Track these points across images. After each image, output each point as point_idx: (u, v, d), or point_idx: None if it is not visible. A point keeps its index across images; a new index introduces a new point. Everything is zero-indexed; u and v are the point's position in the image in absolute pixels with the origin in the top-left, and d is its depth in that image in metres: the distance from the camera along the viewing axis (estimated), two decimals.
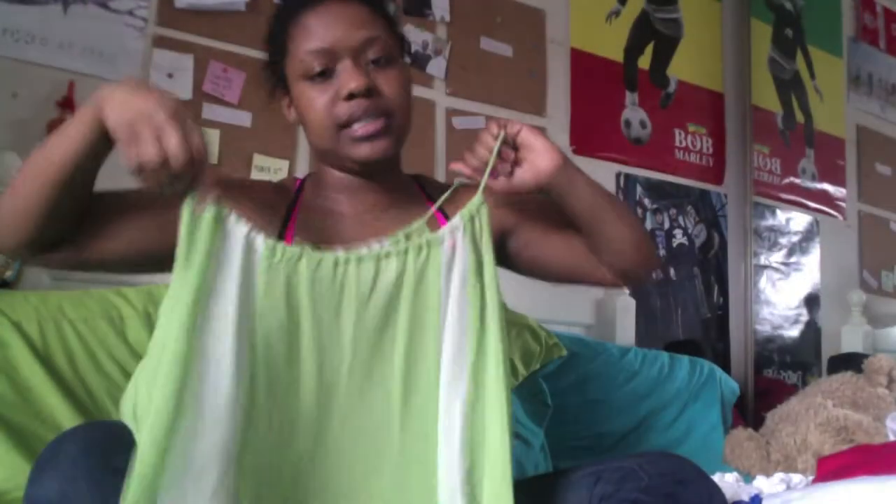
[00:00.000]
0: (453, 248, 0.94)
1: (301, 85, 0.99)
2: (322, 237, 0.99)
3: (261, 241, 0.89)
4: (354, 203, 1.06)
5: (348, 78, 0.96)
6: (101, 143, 0.83)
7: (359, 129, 0.98)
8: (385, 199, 1.05)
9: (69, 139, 0.83)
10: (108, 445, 0.78)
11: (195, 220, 0.84)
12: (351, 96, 0.96)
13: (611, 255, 1.05)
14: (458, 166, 1.03)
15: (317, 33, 0.97)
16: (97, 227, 0.92)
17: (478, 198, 0.98)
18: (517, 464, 1.62)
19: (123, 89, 0.81)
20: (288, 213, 1.03)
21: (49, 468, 0.77)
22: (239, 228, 0.88)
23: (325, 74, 0.98)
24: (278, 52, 1.03)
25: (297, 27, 0.99)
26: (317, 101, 0.98)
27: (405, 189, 1.09)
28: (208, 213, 0.85)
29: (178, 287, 0.83)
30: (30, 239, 0.87)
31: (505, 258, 1.10)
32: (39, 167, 0.85)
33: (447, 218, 1.07)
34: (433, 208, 1.04)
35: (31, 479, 0.78)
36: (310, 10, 0.99)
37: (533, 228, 1.09)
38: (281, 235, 0.99)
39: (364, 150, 0.99)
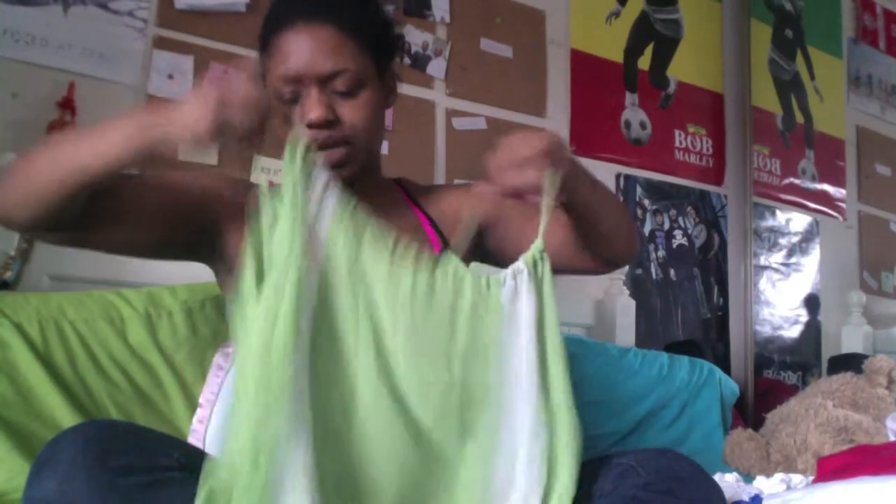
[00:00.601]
0: (515, 290, 0.94)
1: (274, 103, 1.02)
2: None
3: (334, 188, 0.92)
4: None
5: (309, 108, 0.99)
6: (145, 157, 0.86)
7: (323, 155, 1.00)
8: (364, 203, 1.07)
9: (113, 148, 0.85)
10: (106, 444, 0.78)
11: (295, 153, 0.88)
12: (310, 126, 0.99)
13: (602, 245, 1.10)
14: (484, 190, 0.95)
15: (287, 58, 1.00)
16: (109, 208, 0.94)
17: (539, 242, 0.96)
18: None
19: (164, 106, 0.85)
20: None
21: (47, 468, 0.77)
22: (323, 171, 0.91)
23: (295, 99, 1.01)
24: (263, 62, 1.06)
25: (274, 47, 1.02)
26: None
27: (386, 192, 1.13)
28: (302, 147, 0.89)
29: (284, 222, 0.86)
30: (40, 221, 0.88)
31: (485, 253, 1.13)
32: (67, 163, 0.85)
33: (430, 220, 1.09)
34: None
35: (30, 479, 0.78)
36: (285, 31, 1.01)
37: (510, 221, 1.10)
38: None
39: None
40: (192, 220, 1.02)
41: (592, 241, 1.09)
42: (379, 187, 1.11)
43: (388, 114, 1.92)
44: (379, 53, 1.06)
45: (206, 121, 0.82)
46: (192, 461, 0.83)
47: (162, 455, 0.81)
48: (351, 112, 1.01)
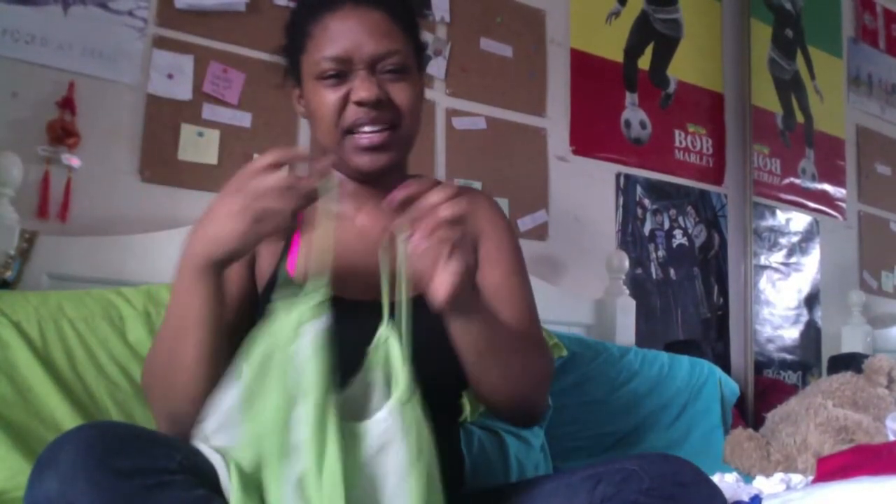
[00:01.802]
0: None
1: (314, 83, 1.02)
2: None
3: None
4: (356, 204, 1.07)
5: (360, 86, 0.98)
6: (220, 286, 0.89)
7: (363, 138, 1.00)
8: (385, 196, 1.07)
9: (191, 305, 0.88)
10: (107, 446, 0.78)
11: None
12: (360, 104, 0.98)
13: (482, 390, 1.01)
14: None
15: (336, 39, 0.99)
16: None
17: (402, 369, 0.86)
18: (517, 463, 1.62)
19: (201, 226, 0.87)
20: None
21: (49, 469, 0.77)
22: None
23: (340, 77, 1.00)
24: (296, 47, 1.04)
25: (318, 27, 1.01)
26: (328, 99, 1.00)
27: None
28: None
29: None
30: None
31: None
32: (179, 345, 0.90)
33: None
34: None
35: (31, 480, 0.78)
36: (332, 11, 1.00)
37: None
38: (288, 237, 1.03)
39: (365, 160, 1.02)
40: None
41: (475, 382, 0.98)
42: (399, 185, 1.11)
43: None
44: (418, 47, 1.07)
45: (241, 232, 0.84)
46: (194, 463, 0.83)
47: (164, 457, 0.80)
48: (400, 93, 1.01)
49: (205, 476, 0.82)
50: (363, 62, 0.99)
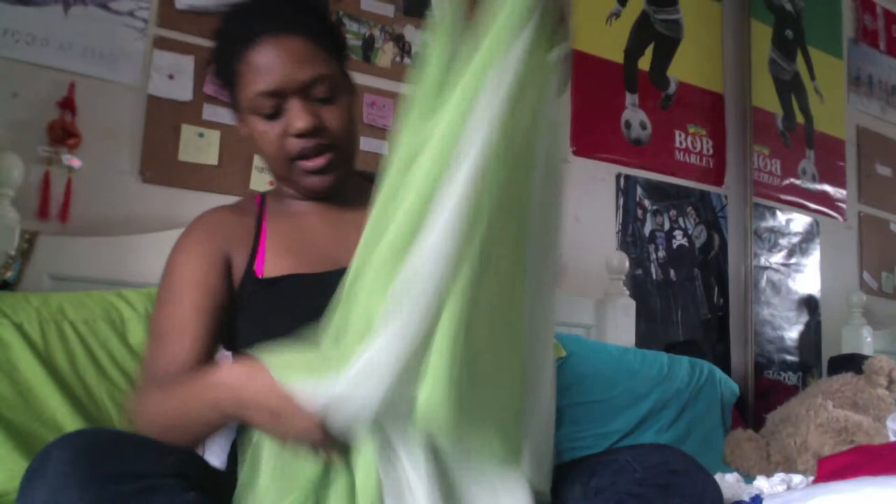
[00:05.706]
0: None
1: (253, 119, 1.05)
2: (295, 238, 1.09)
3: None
4: (317, 209, 1.14)
5: (295, 117, 1.02)
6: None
7: (309, 163, 1.06)
8: (343, 204, 1.13)
9: (208, 422, 0.92)
10: (96, 453, 0.77)
11: None
12: (300, 135, 1.03)
13: None
14: None
15: (264, 74, 1.01)
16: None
17: None
18: None
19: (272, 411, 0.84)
20: (258, 225, 1.11)
21: (37, 478, 0.76)
22: None
23: (275, 111, 1.03)
24: (227, 81, 1.07)
25: (244, 65, 1.03)
26: (268, 134, 1.04)
27: (357, 190, 1.14)
28: None
29: None
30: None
31: None
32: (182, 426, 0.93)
33: None
34: None
35: (21, 490, 0.76)
36: (253, 47, 1.01)
37: None
38: (254, 249, 1.08)
39: (313, 182, 1.08)
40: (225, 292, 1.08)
41: None
42: (353, 184, 1.16)
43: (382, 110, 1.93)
44: (339, 55, 1.10)
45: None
46: (183, 467, 0.82)
47: (153, 461, 0.79)
48: (334, 118, 1.05)
49: (195, 479, 0.82)
50: (294, 91, 1.02)
